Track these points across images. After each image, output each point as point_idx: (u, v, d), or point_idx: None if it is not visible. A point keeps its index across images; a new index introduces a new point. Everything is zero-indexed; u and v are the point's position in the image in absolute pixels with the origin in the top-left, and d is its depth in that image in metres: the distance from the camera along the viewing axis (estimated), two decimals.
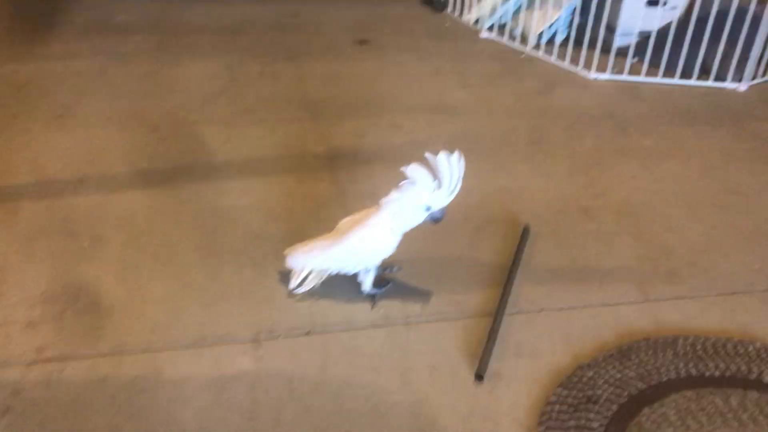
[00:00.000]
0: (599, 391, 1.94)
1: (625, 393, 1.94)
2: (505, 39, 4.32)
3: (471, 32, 4.47)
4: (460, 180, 2.04)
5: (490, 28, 4.41)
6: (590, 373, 2.00)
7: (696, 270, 2.45)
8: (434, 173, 2.02)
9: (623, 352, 2.08)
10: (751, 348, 2.11)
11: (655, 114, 3.56)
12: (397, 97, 3.58)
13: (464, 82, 3.79)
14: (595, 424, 1.85)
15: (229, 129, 3.21)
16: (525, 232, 2.55)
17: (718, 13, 3.70)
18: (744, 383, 2.00)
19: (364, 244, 2.14)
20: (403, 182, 2.06)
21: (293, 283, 2.22)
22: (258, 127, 3.23)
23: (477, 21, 4.52)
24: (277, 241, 2.41)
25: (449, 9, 4.78)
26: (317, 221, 2.56)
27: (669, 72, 3.89)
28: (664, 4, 3.97)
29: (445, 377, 2.00)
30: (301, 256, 2.21)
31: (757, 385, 1.99)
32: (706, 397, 1.95)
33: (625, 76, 3.88)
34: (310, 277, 2.22)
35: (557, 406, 1.90)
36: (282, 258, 2.24)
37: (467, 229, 2.61)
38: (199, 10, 4.64)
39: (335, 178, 2.87)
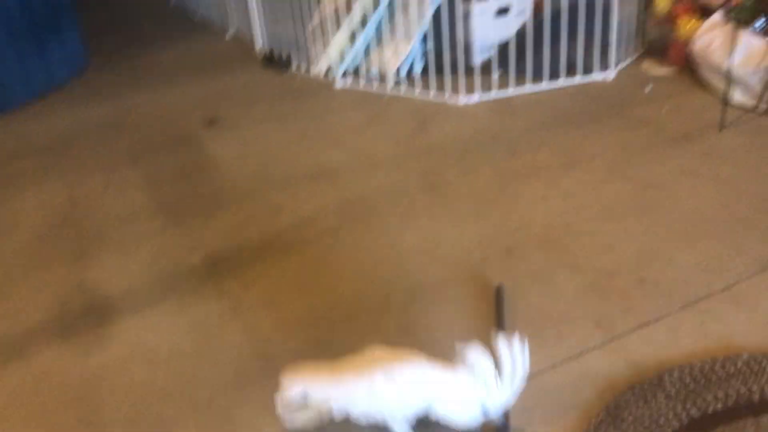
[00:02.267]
0: None
1: None
2: (362, 84, 4.03)
3: (325, 85, 4.17)
4: (525, 372, 1.67)
5: (344, 75, 4.12)
6: None
7: (647, 287, 2.20)
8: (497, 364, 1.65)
9: (612, 413, 1.76)
10: (740, 364, 1.86)
11: (536, 124, 3.37)
12: (267, 175, 3.19)
13: (335, 140, 3.46)
14: None
15: (79, 266, 2.68)
16: (499, 294, 2.20)
17: (570, 7, 3.59)
18: (752, 409, 1.73)
19: (404, 386, 1.68)
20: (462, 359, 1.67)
21: (285, 414, 1.74)
22: (115, 254, 2.73)
23: (327, 71, 4.22)
24: (178, 398, 1.94)
25: (294, 66, 4.46)
26: (216, 358, 2.12)
27: (537, 78, 3.73)
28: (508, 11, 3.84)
29: None
30: (307, 382, 1.73)
31: (766, 406, 1.73)
32: None
33: (495, 93, 3.69)
34: (308, 414, 1.74)
35: None
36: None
37: (407, 312, 2.24)
38: (17, 129, 4.06)
39: (223, 289, 2.43)
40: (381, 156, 3.25)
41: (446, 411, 1.68)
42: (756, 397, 1.76)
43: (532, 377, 1.90)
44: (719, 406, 1.75)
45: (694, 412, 1.74)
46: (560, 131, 3.27)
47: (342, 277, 2.41)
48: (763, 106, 3.15)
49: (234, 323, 2.25)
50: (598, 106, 3.48)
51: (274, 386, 1.71)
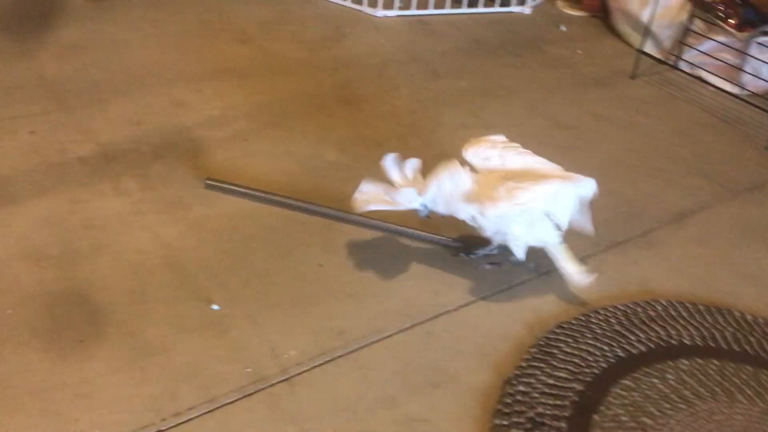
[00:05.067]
0: (540, 409, 1.61)
1: (567, 403, 1.63)
2: None
3: None
4: None
5: None
6: (521, 387, 1.66)
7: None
8: None
9: (543, 349, 1.76)
10: (660, 309, 1.92)
11: (456, 50, 3.27)
12: (165, 65, 2.86)
13: (240, 35, 3.17)
14: None
15: None
16: None
17: None
18: (670, 353, 1.79)
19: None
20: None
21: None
22: None
23: None
24: (54, 299, 1.72)
25: None
26: (117, 255, 1.89)
27: (456, 1, 3.61)
28: None
29: None
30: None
31: (685, 351, 1.80)
32: (643, 380, 1.70)
33: (413, 11, 3.53)
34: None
35: None
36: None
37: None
38: None
39: (121, 186, 2.17)
40: (293, 60, 3.02)
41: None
42: (674, 342, 1.83)
43: (460, 308, 1.87)
44: (642, 348, 1.79)
45: (619, 352, 1.77)
46: (479, 59, 3.19)
47: (254, 182, 2.22)
48: (672, 59, 3.24)
49: (141, 229, 2.01)
50: (515, 39, 3.43)
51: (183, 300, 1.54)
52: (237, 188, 2.16)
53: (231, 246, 1.99)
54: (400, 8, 3.50)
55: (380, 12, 3.47)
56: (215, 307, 1.79)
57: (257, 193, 2.15)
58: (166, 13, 3.27)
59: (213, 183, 2.17)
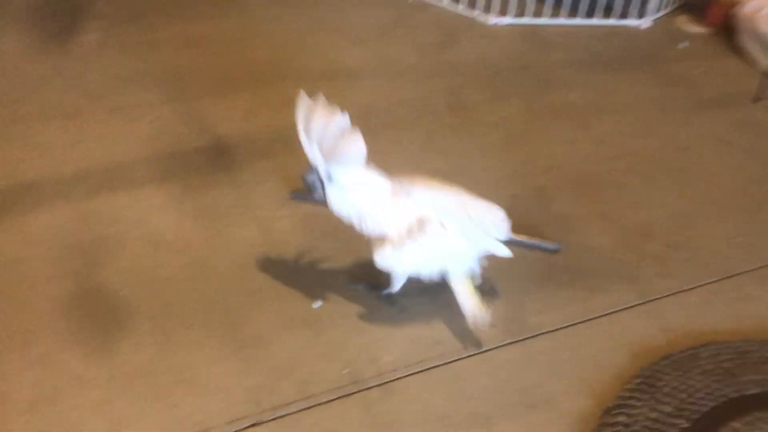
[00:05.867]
0: None
1: None
2: None
3: None
4: None
5: None
6: (621, 418, 1.60)
7: (681, 253, 2.12)
8: None
9: (648, 381, 1.70)
10: None
11: (570, 62, 3.19)
12: (281, 63, 2.93)
13: (354, 37, 3.21)
14: None
15: (75, 125, 2.43)
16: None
17: None
18: None
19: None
20: None
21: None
22: (113, 119, 2.48)
23: None
24: (186, 291, 1.78)
25: None
26: (227, 245, 1.95)
27: (572, 12, 3.52)
28: None
29: None
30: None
31: None
32: (755, 425, 1.61)
33: (527, 19, 3.47)
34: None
35: None
36: None
37: None
38: None
39: (234, 178, 2.24)
40: (404, 64, 3.03)
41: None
42: None
43: (561, 329, 1.82)
44: (755, 390, 1.70)
45: (729, 392, 1.69)
46: (593, 73, 3.10)
47: None
48: None
49: (251, 221, 2.07)
50: (631, 54, 3.31)
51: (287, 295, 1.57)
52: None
53: (337, 246, 2.01)
54: (516, 15, 3.45)
55: (493, 19, 3.44)
56: (317, 304, 1.82)
57: None
58: (287, 11, 3.35)
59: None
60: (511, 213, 2.12)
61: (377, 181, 1.68)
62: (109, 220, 2.04)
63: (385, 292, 1.83)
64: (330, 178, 1.63)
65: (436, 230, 1.66)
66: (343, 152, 1.61)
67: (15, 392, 1.56)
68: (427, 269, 1.74)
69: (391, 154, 2.40)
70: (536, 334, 1.81)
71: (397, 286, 1.80)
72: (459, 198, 1.75)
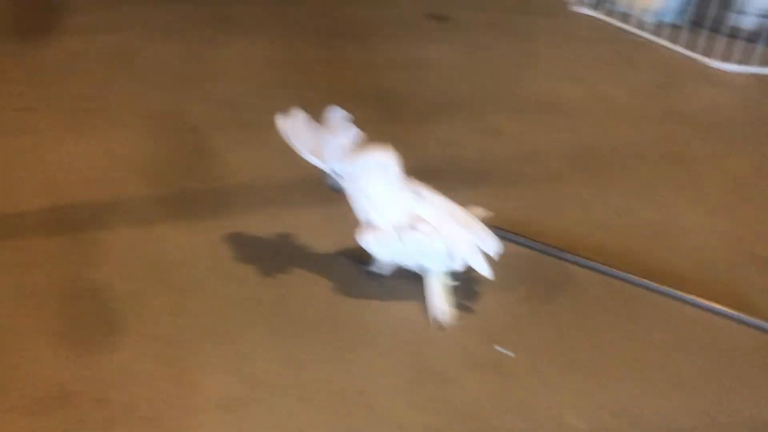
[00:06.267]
0: None
1: None
2: (601, 15, 3.58)
3: (558, 4, 3.74)
4: None
5: (582, 0, 3.69)
6: None
7: None
8: None
9: None
10: None
11: None
12: (491, 92, 2.89)
13: (570, 71, 3.09)
14: None
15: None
16: None
17: None
18: None
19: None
20: None
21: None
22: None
23: None
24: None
25: None
26: None
27: None
28: None
29: None
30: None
31: None
32: None
33: (757, 68, 3.15)
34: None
35: None
36: None
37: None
38: None
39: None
40: (620, 104, 2.87)
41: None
42: None
43: None
44: None
45: None
46: None
47: (564, 234, 2.12)
48: None
49: None
50: None
51: None
52: (518, 238, 2.07)
53: (528, 290, 1.91)
54: (741, 62, 3.16)
55: (716, 63, 3.16)
56: (502, 349, 1.73)
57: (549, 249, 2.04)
58: (497, 40, 3.31)
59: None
60: (728, 283, 1.92)
61: (388, 167, 1.76)
62: None
63: (370, 268, 1.87)
64: (341, 176, 1.75)
65: (427, 231, 1.74)
66: (345, 145, 1.74)
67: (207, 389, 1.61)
68: (406, 261, 1.82)
69: (596, 199, 2.28)
70: (746, 420, 1.59)
71: (379, 266, 1.85)
72: (464, 215, 1.81)
